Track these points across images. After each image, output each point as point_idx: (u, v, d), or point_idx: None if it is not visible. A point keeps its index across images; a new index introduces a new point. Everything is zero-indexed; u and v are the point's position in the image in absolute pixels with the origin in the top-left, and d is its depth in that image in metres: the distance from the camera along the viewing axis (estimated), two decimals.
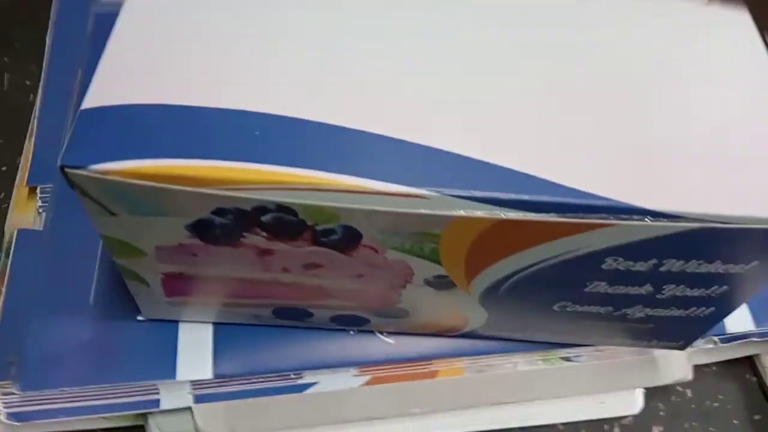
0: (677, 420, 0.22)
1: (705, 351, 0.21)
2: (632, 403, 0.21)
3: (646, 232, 0.14)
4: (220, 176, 0.13)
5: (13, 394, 0.18)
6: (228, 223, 0.14)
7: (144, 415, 0.19)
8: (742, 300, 0.17)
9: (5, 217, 0.22)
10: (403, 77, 0.15)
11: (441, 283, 0.16)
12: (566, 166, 0.14)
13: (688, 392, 0.22)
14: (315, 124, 0.14)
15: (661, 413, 0.22)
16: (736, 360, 0.22)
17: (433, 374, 0.20)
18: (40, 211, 0.22)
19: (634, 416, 0.21)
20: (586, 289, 0.16)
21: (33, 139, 0.23)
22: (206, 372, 0.19)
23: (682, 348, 0.20)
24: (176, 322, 0.19)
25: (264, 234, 0.14)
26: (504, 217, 0.13)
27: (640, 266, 0.15)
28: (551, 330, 0.19)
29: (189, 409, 0.19)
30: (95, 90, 0.14)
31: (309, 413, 0.20)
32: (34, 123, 0.24)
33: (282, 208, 0.13)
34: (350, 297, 0.17)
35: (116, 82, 0.14)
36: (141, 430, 0.19)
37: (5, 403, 0.18)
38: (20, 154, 0.24)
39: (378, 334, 0.20)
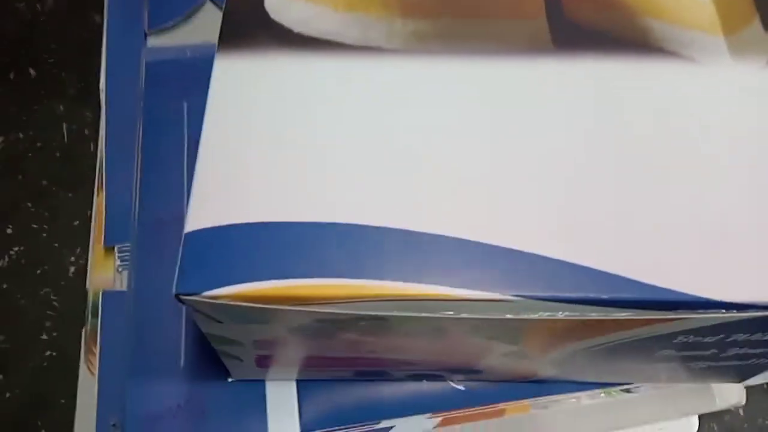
0: None
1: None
2: (689, 427, 0.22)
3: (718, 320, 0.14)
4: (319, 294, 0.14)
5: None
6: (326, 327, 0.15)
7: None
8: None
9: (85, 273, 0.24)
10: (469, 179, 0.15)
11: (517, 354, 0.17)
12: (641, 261, 0.14)
13: (741, 411, 0.23)
14: (399, 231, 0.15)
15: None
16: None
17: (500, 412, 0.21)
18: (120, 270, 0.23)
19: None
20: (656, 354, 0.17)
21: (103, 195, 0.24)
22: (294, 428, 0.20)
23: (739, 382, 0.21)
24: (263, 380, 0.21)
25: (357, 333, 0.15)
26: (586, 317, 0.14)
27: (709, 339, 0.16)
28: (617, 374, 0.20)
29: None
30: (194, 213, 0.15)
31: None
32: (101, 177, 0.25)
33: (376, 317, 0.14)
34: (429, 364, 0.18)
35: (212, 202, 0.15)
36: None
37: None
38: (90, 206, 0.25)
39: (450, 382, 0.21)
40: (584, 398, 0.22)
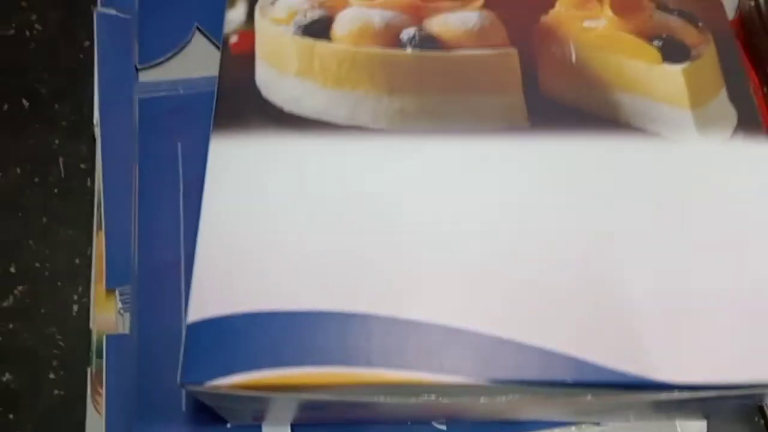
0: None
1: None
2: None
3: (674, 398, 0.16)
4: (310, 382, 0.15)
5: None
6: (324, 405, 0.16)
7: None
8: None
9: (88, 312, 0.25)
10: (449, 262, 0.17)
11: (497, 410, 0.19)
12: (598, 345, 0.16)
13: None
14: (384, 319, 0.16)
15: None
16: None
17: None
18: (122, 312, 0.24)
19: None
20: (625, 407, 0.19)
21: (102, 236, 0.25)
22: None
23: (704, 419, 0.23)
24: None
25: (347, 407, 0.17)
26: (550, 399, 0.16)
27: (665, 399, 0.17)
28: (589, 416, 0.22)
29: None
30: (195, 304, 0.16)
31: None
32: (99, 217, 0.26)
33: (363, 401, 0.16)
34: (415, 417, 0.20)
35: (211, 293, 0.16)
36: None
37: None
38: (89, 244, 0.26)
39: (432, 423, 0.22)
40: None
